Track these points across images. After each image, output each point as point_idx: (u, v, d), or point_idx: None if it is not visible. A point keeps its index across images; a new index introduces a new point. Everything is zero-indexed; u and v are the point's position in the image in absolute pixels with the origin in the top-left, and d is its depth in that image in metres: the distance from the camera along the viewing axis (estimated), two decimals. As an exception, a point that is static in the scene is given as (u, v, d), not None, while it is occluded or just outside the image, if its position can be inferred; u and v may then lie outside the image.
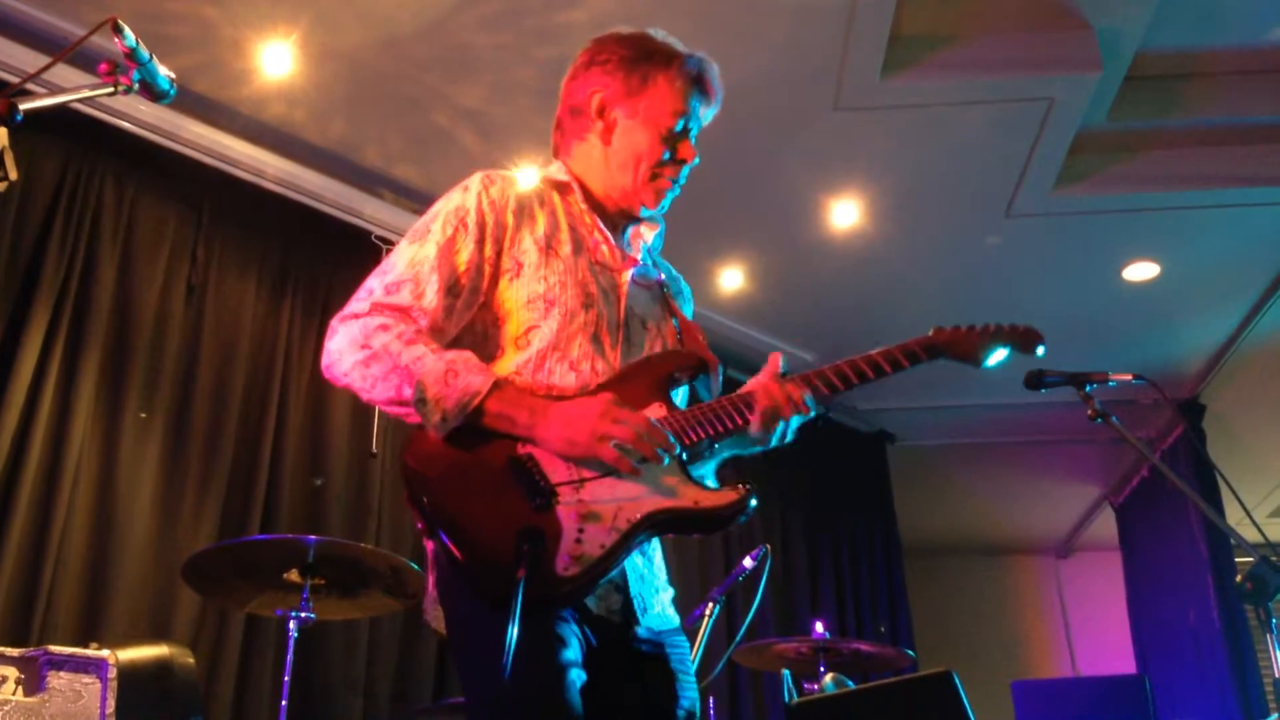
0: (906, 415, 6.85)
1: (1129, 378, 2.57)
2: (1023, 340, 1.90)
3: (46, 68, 1.97)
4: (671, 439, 1.69)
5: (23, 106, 1.54)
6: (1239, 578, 2.51)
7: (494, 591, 1.54)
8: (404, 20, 3.99)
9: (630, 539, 1.64)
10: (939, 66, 4.32)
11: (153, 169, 4.31)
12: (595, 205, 1.98)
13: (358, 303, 1.78)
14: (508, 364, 1.79)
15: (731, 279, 5.56)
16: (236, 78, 4.20)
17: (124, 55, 1.68)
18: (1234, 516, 6.66)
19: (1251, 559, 2.49)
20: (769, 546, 3.51)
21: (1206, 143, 4.90)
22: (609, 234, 1.95)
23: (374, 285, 1.80)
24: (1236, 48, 4.51)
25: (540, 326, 1.80)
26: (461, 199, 1.86)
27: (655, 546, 1.87)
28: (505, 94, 4.32)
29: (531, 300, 1.81)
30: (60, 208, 4.00)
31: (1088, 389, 2.51)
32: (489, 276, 1.83)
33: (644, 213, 1.99)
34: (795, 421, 1.79)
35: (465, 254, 1.81)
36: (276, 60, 4.11)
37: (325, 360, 1.77)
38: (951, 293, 5.66)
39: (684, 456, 1.74)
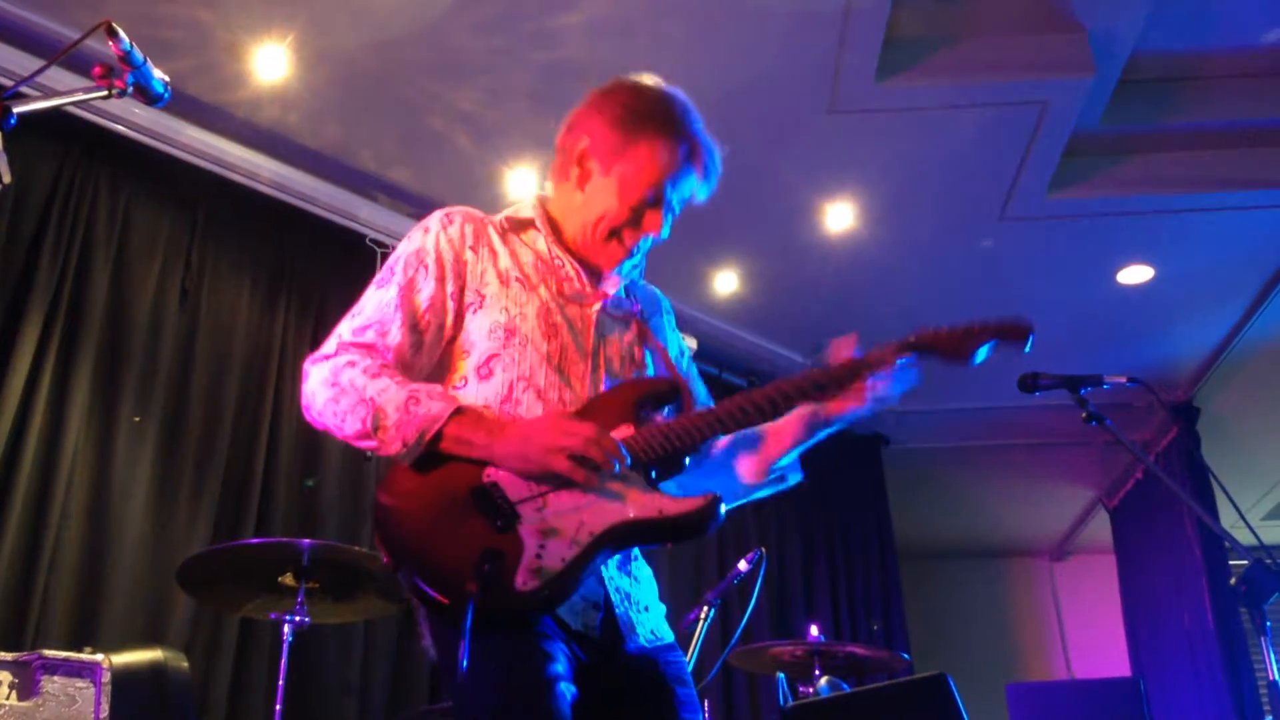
0: (901, 418, 6.84)
1: (1123, 380, 2.58)
2: (1011, 333, 1.78)
3: (40, 71, 1.98)
4: (623, 449, 1.69)
5: (17, 109, 1.54)
6: (1233, 580, 2.51)
7: (461, 618, 1.57)
8: (399, 23, 3.99)
9: (593, 552, 1.65)
10: (934, 70, 4.33)
11: (147, 172, 4.31)
12: (565, 244, 1.96)
13: (327, 346, 1.82)
14: (474, 394, 1.81)
15: (726, 282, 5.56)
16: (231, 81, 4.20)
17: (118, 58, 1.68)
18: (1228, 519, 6.67)
19: (1246, 562, 2.50)
20: (764, 549, 3.52)
21: (1201, 146, 4.91)
22: (579, 267, 1.94)
23: (343, 329, 1.84)
24: (1230, 51, 4.52)
25: (501, 355, 1.81)
26: (421, 240, 1.89)
27: (642, 565, 1.87)
28: (500, 97, 4.32)
29: (493, 329, 1.83)
30: (54, 211, 3.99)
31: (1082, 392, 2.52)
32: (454, 313, 1.86)
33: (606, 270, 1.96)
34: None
35: (426, 293, 1.84)
36: (271, 64, 4.11)
37: (303, 403, 1.81)
38: (946, 296, 5.66)
39: (654, 473, 1.75)
